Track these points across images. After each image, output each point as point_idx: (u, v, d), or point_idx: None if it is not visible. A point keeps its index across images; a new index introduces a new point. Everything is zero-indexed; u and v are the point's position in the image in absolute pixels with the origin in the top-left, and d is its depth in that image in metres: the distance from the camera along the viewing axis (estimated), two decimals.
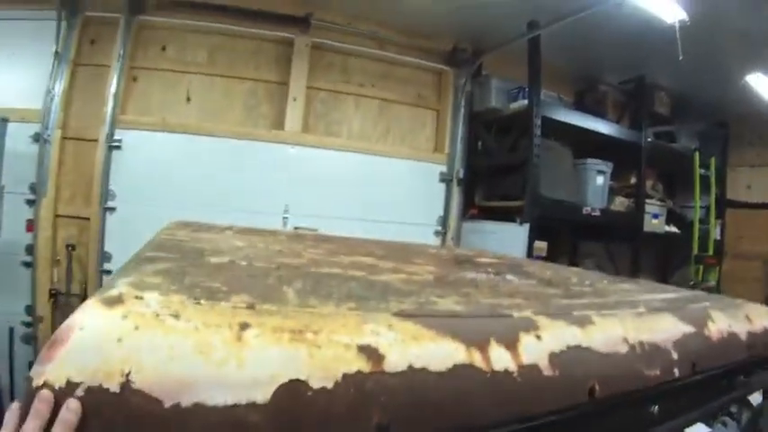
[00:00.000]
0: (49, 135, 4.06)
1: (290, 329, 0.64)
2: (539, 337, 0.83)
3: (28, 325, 4.11)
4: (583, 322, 0.93)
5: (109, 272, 4.17)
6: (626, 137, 5.09)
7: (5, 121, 3.82)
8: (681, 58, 3.41)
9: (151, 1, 4.30)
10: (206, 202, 4.15)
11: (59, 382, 0.55)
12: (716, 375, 1.22)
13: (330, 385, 0.61)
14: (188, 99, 4.57)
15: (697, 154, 5.47)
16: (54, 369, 0.56)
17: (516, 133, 4.77)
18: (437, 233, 5.07)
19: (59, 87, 4.11)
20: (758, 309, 1.50)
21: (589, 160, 4.86)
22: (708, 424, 1.26)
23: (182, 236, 1.73)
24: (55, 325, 4.18)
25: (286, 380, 0.59)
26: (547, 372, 0.80)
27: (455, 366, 0.71)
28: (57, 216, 4.18)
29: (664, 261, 6.33)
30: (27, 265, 4.14)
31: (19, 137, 3.95)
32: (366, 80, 5.12)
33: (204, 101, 4.60)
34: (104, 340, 0.57)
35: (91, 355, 0.56)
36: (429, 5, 4.60)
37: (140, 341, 0.57)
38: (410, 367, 0.67)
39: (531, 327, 0.85)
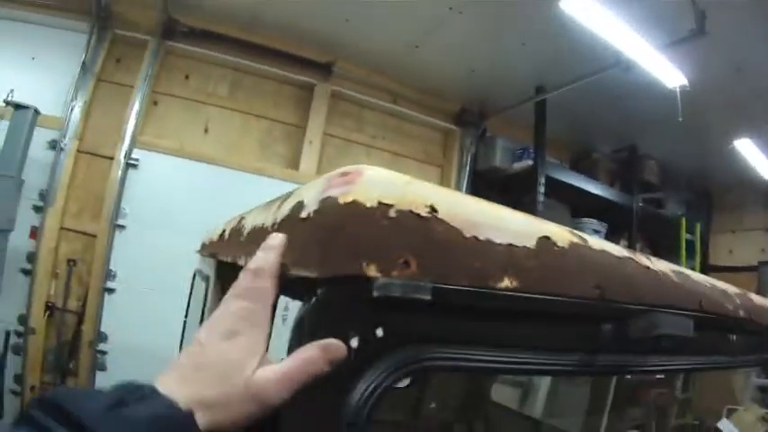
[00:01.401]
0: (65, 144, 4.08)
1: None
2: None
3: (19, 335, 3.96)
4: None
5: (112, 290, 4.10)
6: (619, 200, 5.39)
7: (37, 113, 3.82)
8: (680, 119, 3.72)
9: (181, 28, 4.46)
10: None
11: (370, 201, 0.59)
12: None
13: (566, 246, 0.74)
14: (206, 130, 4.67)
15: (684, 220, 5.77)
16: (360, 190, 0.60)
17: (519, 191, 5.00)
18: None
19: (81, 99, 4.17)
20: None
21: (585, 219, 5.09)
22: None
23: None
24: (48, 338, 4.06)
25: (542, 235, 0.72)
26: None
27: None
28: (62, 228, 4.13)
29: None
30: (25, 272, 4.04)
31: (36, 141, 3.91)
32: (378, 132, 5.34)
33: (221, 133, 4.70)
34: (397, 179, 0.64)
35: (391, 186, 0.62)
36: (443, 66, 4.91)
37: (428, 188, 0.66)
38: None
39: None
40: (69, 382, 4.13)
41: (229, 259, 1.03)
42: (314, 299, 0.58)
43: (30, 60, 4.21)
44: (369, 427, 0.57)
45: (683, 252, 5.70)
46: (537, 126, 4.92)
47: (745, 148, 5.10)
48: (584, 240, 0.80)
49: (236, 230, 1.04)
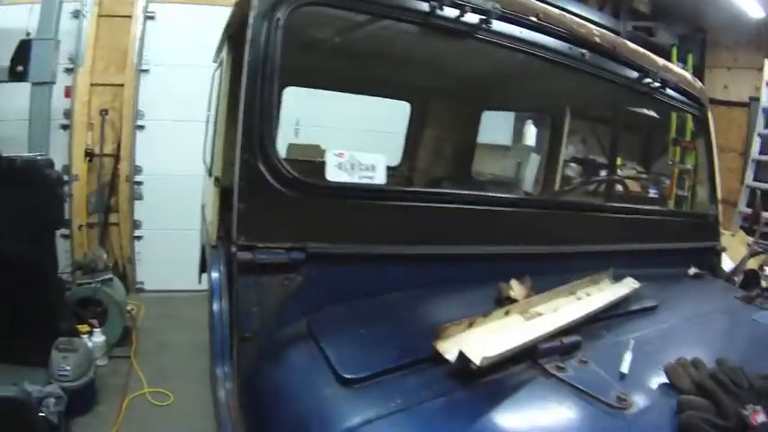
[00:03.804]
0: (87, 11, 4.55)
1: None
2: None
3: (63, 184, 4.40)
4: None
5: (142, 127, 4.57)
6: (607, 23, 5.60)
7: None
8: None
9: None
10: None
11: None
12: None
13: None
14: None
15: (675, 48, 5.95)
16: None
17: None
18: None
19: None
20: None
21: None
22: None
23: None
24: (89, 183, 4.51)
25: None
26: None
27: None
28: (92, 85, 4.61)
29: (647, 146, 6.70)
30: (64, 128, 4.53)
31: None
32: None
33: None
34: None
35: None
36: None
37: None
38: None
39: None
40: (112, 218, 4.58)
41: None
42: None
43: None
44: None
45: None
46: None
47: None
48: None
49: None
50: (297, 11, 1.22)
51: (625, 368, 1.07)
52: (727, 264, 5.87)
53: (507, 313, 1.06)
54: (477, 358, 0.89)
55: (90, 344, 3.33)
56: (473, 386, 0.92)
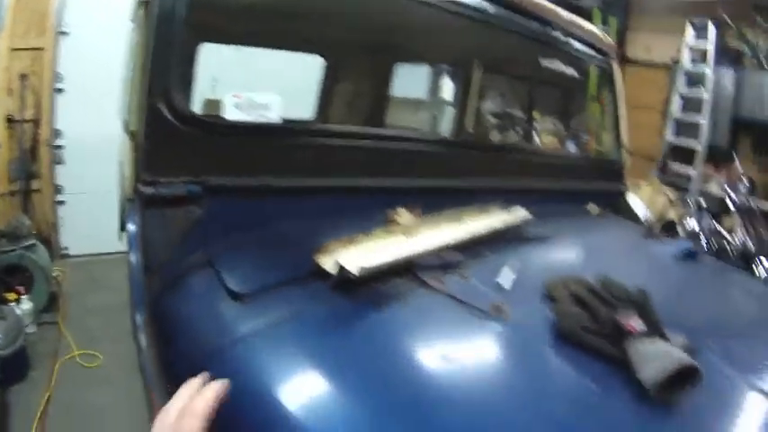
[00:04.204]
0: None
1: None
2: None
3: None
4: None
5: (61, 90, 4.43)
6: None
7: None
8: None
9: None
10: None
11: None
12: None
13: None
14: None
15: (597, 10, 6.18)
16: None
17: None
18: None
19: None
20: None
21: None
22: None
23: None
24: (11, 150, 4.35)
25: None
26: None
27: None
28: (12, 49, 4.40)
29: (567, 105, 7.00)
30: None
31: None
32: None
33: None
34: None
35: None
36: None
37: None
38: None
39: None
40: (34, 184, 4.45)
41: None
42: None
43: None
44: None
45: None
46: None
47: None
48: None
49: None
50: None
51: (506, 283, 1.15)
52: (641, 210, 6.27)
53: (390, 233, 1.15)
54: (354, 269, 0.97)
55: (18, 311, 3.29)
56: (353, 296, 1.00)
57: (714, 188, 6.10)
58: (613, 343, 0.90)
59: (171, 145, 1.25)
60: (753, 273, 3.74)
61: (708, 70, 6.33)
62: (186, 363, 0.94)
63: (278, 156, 1.34)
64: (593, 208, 2.10)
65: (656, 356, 0.83)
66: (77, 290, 4.13)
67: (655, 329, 0.90)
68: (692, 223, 4.60)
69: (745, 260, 4.11)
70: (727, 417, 0.86)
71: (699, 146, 6.54)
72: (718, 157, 6.43)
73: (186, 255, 1.20)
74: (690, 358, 0.83)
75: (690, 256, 1.69)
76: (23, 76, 4.42)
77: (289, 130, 1.47)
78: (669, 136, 6.82)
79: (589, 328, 0.94)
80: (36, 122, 4.43)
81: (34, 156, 4.45)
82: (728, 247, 4.38)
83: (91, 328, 3.56)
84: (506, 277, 1.18)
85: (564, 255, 1.50)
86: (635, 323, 0.92)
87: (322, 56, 3.37)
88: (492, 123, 2.59)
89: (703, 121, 6.51)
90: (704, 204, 4.78)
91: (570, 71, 2.79)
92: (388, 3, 1.73)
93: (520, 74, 2.66)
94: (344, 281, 0.99)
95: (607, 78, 2.46)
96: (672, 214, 4.87)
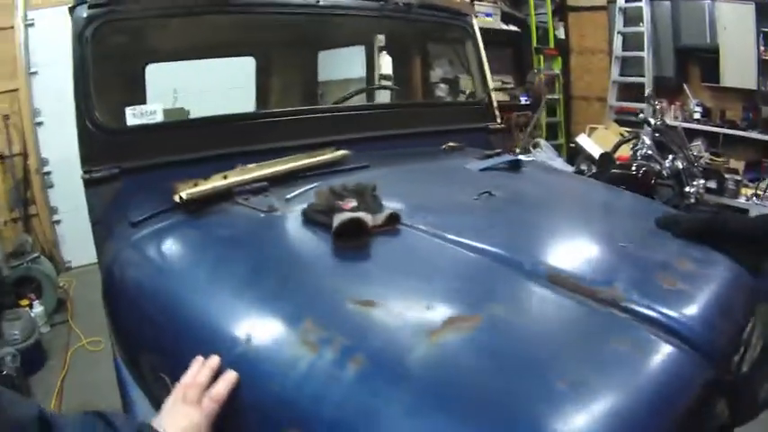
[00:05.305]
0: None
1: None
2: None
3: None
4: None
5: (40, 123, 5.01)
6: None
7: None
8: None
9: None
10: None
11: None
12: None
13: None
14: None
15: None
16: None
17: None
18: None
19: None
20: None
21: None
22: None
23: None
24: (5, 182, 4.93)
25: None
26: None
27: None
28: None
29: (517, 61, 7.35)
30: None
31: None
32: None
33: None
34: None
35: None
36: None
37: None
38: None
39: None
40: (32, 209, 5.02)
41: None
42: None
43: None
44: None
45: None
46: None
47: None
48: None
49: None
50: (102, 27, 1.98)
51: (292, 197, 1.62)
52: (595, 150, 6.63)
53: (225, 177, 1.64)
54: (184, 195, 1.52)
55: (32, 314, 3.88)
56: (193, 215, 1.56)
57: (670, 120, 6.34)
58: (327, 215, 1.30)
59: (96, 147, 1.94)
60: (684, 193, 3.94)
61: (643, 4, 6.62)
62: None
63: (163, 142, 2.00)
64: (448, 145, 2.47)
65: (341, 218, 1.25)
66: (83, 292, 4.72)
67: (368, 207, 1.34)
68: (640, 153, 4.87)
69: (678, 181, 4.35)
70: (414, 254, 1.31)
71: (645, 80, 6.81)
72: (669, 90, 6.72)
73: (114, 213, 1.81)
74: (357, 218, 1.26)
75: (514, 166, 2.12)
76: (6, 117, 5.00)
77: (171, 123, 2.14)
78: (615, 75, 7.13)
79: (318, 209, 1.36)
80: (24, 155, 5.01)
81: (27, 184, 5.03)
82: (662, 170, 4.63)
83: (95, 320, 4.09)
84: (295, 194, 1.65)
85: (365, 177, 1.72)
86: (349, 204, 1.34)
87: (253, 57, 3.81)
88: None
89: (646, 55, 6.79)
90: (650, 137, 4.96)
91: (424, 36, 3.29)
92: None
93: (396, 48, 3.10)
94: (186, 204, 1.54)
95: (469, 33, 2.87)
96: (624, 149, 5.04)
